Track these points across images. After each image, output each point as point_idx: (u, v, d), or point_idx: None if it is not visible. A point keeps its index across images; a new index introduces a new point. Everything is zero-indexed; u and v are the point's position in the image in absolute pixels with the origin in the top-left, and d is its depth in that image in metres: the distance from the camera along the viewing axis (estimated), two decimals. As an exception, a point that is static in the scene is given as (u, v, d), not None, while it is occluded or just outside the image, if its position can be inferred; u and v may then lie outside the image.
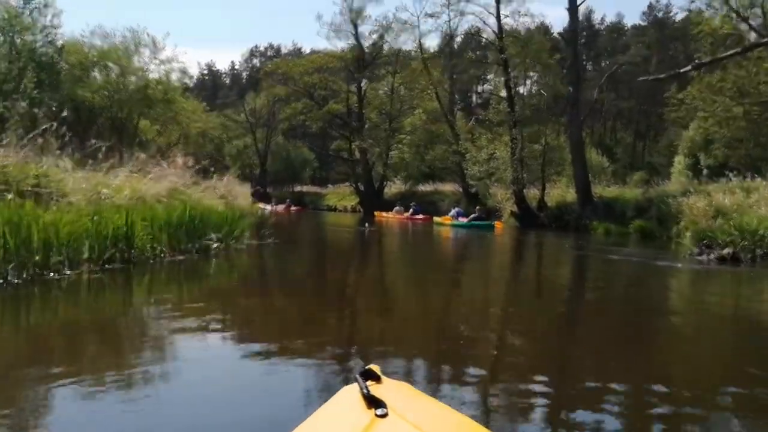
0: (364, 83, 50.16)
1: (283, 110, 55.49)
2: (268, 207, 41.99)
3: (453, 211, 32.15)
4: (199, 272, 10.50)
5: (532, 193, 33.36)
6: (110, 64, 28.79)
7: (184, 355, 5.24)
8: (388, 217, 36.41)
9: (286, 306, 8.07)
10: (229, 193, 28.04)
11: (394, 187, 50.77)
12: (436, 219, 32.64)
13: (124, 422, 3.63)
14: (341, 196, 54.06)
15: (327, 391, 2.57)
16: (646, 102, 74.37)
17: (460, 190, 41.35)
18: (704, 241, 15.16)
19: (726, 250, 14.22)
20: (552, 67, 32.45)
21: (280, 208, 43.81)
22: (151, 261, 10.23)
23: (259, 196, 52.26)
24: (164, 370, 4.69)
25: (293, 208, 45.30)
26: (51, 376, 4.34)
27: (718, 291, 11.25)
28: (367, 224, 23.50)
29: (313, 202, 55.50)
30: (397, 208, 37.75)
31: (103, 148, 17.78)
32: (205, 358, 5.18)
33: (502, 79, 33.37)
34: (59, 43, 26.96)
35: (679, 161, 38.39)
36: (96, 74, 28.95)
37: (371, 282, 11.32)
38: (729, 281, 12.48)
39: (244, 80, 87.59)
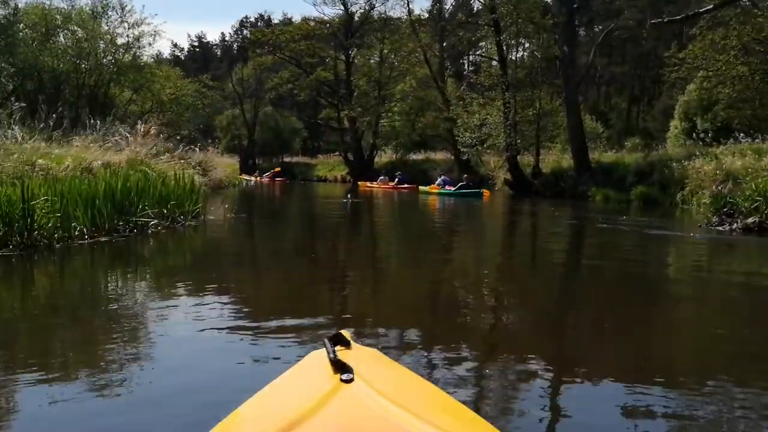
0: (352, 51, 47.75)
1: (270, 79, 53.12)
2: (252, 178, 40.35)
3: (439, 180, 30.53)
4: (117, 257, 8.31)
5: (526, 159, 31.52)
6: (75, 28, 26.24)
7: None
8: (373, 187, 34.94)
9: (216, 301, 5.95)
10: (208, 164, 26.07)
11: (384, 157, 48.91)
12: (422, 188, 31.20)
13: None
14: (331, 167, 52.09)
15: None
16: (640, 66, 72.52)
17: (452, 157, 39.72)
18: (725, 209, 13.10)
19: (751, 219, 12.17)
20: (545, 27, 30.21)
21: (264, 179, 42.67)
22: (59, 244, 8.07)
23: (246, 168, 50.80)
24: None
25: (277, 178, 44.07)
26: None
27: (755, 267, 9.17)
28: (349, 195, 21.36)
29: (303, 173, 53.51)
30: (381, 177, 36.34)
31: (53, 116, 15.97)
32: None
33: (494, 40, 31.17)
34: (15, 3, 24.64)
35: (675, 125, 37.01)
36: (61, 39, 26.36)
37: (342, 262, 9.18)
38: (762, 254, 10.47)
39: (234, 51, 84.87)
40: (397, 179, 34.21)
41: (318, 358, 1.72)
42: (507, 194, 30.04)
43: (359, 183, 37.78)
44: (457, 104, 35.06)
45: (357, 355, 1.74)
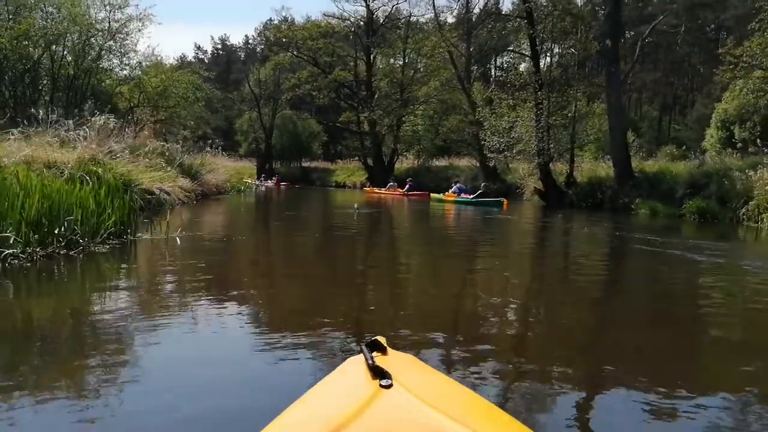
0: (374, 50, 43.99)
1: (287, 80, 49.68)
2: (257, 183, 38.77)
3: (454, 187, 27.75)
4: None
5: (558, 167, 27.81)
6: (50, 9, 22.27)
7: None
8: (381, 194, 31.99)
9: None
10: (203, 166, 22.69)
11: (406, 162, 45.27)
12: (434, 195, 28.38)
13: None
14: (350, 172, 48.47)
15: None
16: (673, 74, 68.77)
17: (477, 164, 36.25)
18: None
19: None
20: (584, 17, 26.42)
21: (269, 183, 40.90)
22: None
23: (263, 172, 48.15)
24: None
25: (282, 183, 42.20)
26: None
27: None
28: (356, 205, 17.67)
29: (321, 178, 50.00)
30: (390, 183, 33.66)
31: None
32: None
33: (526, 33, 27.36)
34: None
35: (711, 134, 34.34)
36: (39, 21, 22.41)
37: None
38: None
39: (258, 55, 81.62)
40: (407, 186, 31.45)
41: (356, 364, 1.70)
42: (537, 205, 26.74)
43: (366, 190, 35.40)
44: (484, 106, 31.38)
45: (394, 360, 1.71)
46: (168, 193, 15.07)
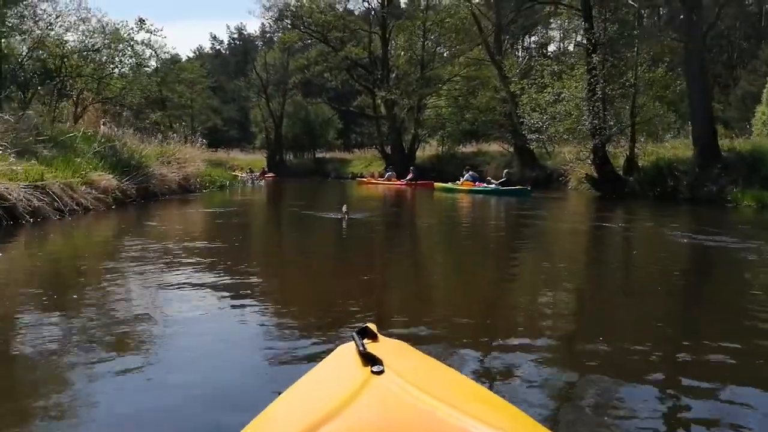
0: (390, 23, 37.53)
1: (295, 62, 43.84)
2: (246, 175, 34.25)
3: (467, 175, 23.35)
4: None
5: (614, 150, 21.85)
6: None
7: None
8: (378, 184, 27.81)
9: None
10: (161, 157, 16.86)
11: (428, 149, 39.13)
12: (439, 185, 24.37)
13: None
14: (368, 162, 42.20)
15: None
16: (713, 51, 62.11)
17: (510, 149, 30.41)
18: None
19: None
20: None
21: (253, 176, 36.67)
22: None
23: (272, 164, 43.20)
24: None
25: (267, 175, 38.46)
26: None
27: None
28: (344, 209, 11.54)
29: (337, 169, 43.81)
30: (389, 172, 28.92)
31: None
32: None
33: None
34: None
35: (763, 111, 28.84)
36: None
37: None
38: None
39: (276, 43, 75.73)
40: (410, 175, 27.20)
41: (347, 351, 1.61)
42: (588, 195, 21.13)
43: (361, 180, 30.99)
44: (520, 79, 25.12)
45: (385, 347, 1.64)
46: (38, 199, 9.22)
